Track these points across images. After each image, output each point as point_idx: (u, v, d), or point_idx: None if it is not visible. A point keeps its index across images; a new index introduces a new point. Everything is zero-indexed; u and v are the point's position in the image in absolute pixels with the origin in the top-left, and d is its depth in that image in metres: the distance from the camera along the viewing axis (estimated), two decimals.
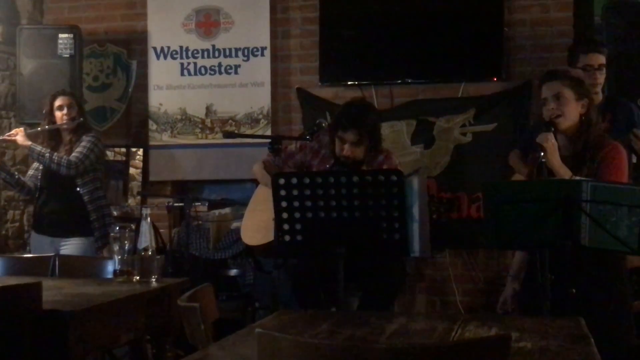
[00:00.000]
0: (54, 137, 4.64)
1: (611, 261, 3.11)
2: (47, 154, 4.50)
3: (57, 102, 4.61)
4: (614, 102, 4.06)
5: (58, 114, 4.60)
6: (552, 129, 3.17)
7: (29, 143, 4.54)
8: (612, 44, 4.64)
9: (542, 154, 3.09)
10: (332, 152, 3.98)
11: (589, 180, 2.85)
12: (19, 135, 4.57)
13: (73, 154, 4.53)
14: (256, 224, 4.15)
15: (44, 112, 4.70)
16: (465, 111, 5.27)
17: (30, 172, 4.73)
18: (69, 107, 4.61)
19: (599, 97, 3.99)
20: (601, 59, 3.99)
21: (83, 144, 4.58)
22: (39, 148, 4.52)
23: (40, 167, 4.65)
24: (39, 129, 4.66)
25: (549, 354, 1.87)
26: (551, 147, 3.09)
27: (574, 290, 2.83)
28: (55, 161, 4.49)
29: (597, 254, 2.93)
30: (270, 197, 3.17)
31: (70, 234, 4.58)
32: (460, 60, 5.29)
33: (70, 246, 4.55)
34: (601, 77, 3.98)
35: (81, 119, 4.65)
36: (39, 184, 4.66)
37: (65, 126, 4.60)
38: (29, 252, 4.84)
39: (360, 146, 3.88)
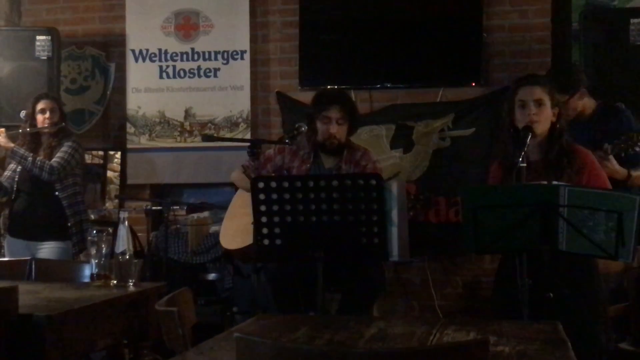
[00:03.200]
0: (33, 140, 4.62)
1: (588, 265, 3.13)
2: (30, 158, 4.49)
3: (40, 105, 4.60)
4: (606, 112, 4.09)
5: (40, 117, 4.59)
6: (530, 134, 3.19)
7: (12, 145, 4.52)
8: (590, 50, 4.68)
9: (520, 159, 3.10)
10: (314, 141, 4.00)
11: (566, 185, 2.87)
12: (1, 136, 4.54)
13: (54, 159, 4.51)
14: (235, 229, 4.15)
15: (25, 114, 4.68)
16: (444, 116, 5.29)
17: (7, 173, 4.70)
18: (52, 111, 4.60)
19: (589, 109, 4.06)
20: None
21: (64, 149, 4.56)
22: (22, 151, 4.51)
23: (18, 169, 4.62)
24: (19, 130, 4.63)
25: (526, 358, 1.88)
26: None
27: (551, 295, 2.84)
28: (38, 165, 4.48)
29: (575, 258, 2.95)
30: (249, 202, 3.16)
31: (46, 237, 4.56)
32: (439, 65, 5.32)
33: (47, 250, 4.52)
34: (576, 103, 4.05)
35: (63, 123, 4.64)
36: (15, 186, 4.63)
37: (46, 130, 4.59)
38: (4, 256, 4.80)
39: (344, 125, 3.95)
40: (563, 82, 4.02)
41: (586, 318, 3.10)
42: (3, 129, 4.62)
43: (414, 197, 4.90)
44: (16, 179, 4.63)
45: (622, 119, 4.06)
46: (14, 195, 4.64)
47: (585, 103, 4.10)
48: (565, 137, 3.29)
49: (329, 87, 5.35)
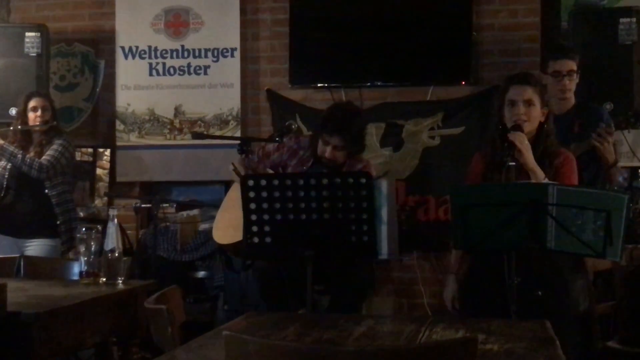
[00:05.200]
0: (24, 138, 4.60)
1: (576, 264, 3.15)
2: (20, 155, 4.47)
3: (32, 103, 4.59)
4: (584, 108, 4.10)
5: (31, 115, 4.58)
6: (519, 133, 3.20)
7: (1, 142, 4.51)
8: (579, 49, 4.69)
9: (509, 158, 3.11)
10: (314, 151, 4.00)
11: (555, 184, 2.88)
12: None
13: (44, 157, 4.50)
14: (227, 223, 4.14)
15: (16, 111, 4.67)
16: (433, 114, 5.30)
17: None
18: (43, 109, 4.59)
19: (571, 102, 4.04)
20: (570, 65, 4.03)
21: (54, 147, 4.55)
22: (11, 148, 4.49)
23: (8, 166, 4.60)
24: (10, 128, 4.62)
25: (514, 356, 1.89)
26: (525, 147, 3.11)
27: (540, 293, 2.85)
28: (27, 163, 4.46)
29: (563, 256, 2.96)
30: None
31: (35, 235, 4.55)
32: (429, 64, 5.32)
33: (35, 247, 4.51)
34: (570, 83, 4.02)
35: (54, 122, 4.63)
36: (5, 183, 4.61)
37: (37, 128, 4.57)
38: None
39: (343, 151, 3.92)
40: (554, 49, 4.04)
41: (576, 317, 3.11)
42: None
43: (400, 208, 4.92)
44: (6, 176, 4.62)
45: (602, 114, 4.07)
46: (3, 192, 4.63)
47: (570, 68, 4.05)
48: (552, 139, 3.28)
49: (319, 85, 5.36)
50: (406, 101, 5.40)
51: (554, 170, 3.18)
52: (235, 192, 4.20)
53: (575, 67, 4.03)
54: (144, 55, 5.71)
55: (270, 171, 4.12)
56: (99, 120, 5.87)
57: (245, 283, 3.99)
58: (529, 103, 3.22)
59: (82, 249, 3.10)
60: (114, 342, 3.30)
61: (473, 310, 3.16)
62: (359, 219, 3.03)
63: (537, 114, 3.23)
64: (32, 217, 4.57)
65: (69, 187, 4.73)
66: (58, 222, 4.55)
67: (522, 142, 3.11)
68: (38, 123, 4.57)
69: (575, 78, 4.04)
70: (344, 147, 3.91)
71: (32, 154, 4.53)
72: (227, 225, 4.12)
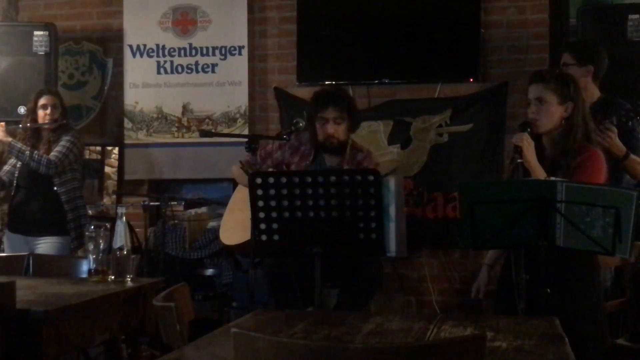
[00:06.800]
0: (34, 135, 4.61)
1: (586, 261, 3.13)
2: (28, 152, 4.48)
3: (42, 101, 4.59)
4: (608, 103, 4.06)
5: (41, 112, 4.59)
6: (529, 130, 3.19)
7: (10, 139, 4.52)
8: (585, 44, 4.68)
9: (517, 155, 3.11)
10: (314, 143, 4.01)
11: (563, 180, 2.87)
12: None
13: (52, 153, 4.51)
14: (234, 224, 4.15)
15: (26, 108, 4.69)
16: (441, 112, 5.29)
17: (7, 167, 4.71)
18: (53, 107, 4.60)
19: (591, 97, 4.01)
20: (566, 59, 4.00)
21: (62, 143, 4.56)
22: (19, 145, 4.50)
23: (18, 164, 4.62)
24: (20, 125, 4.63)
25: (523, 353, 1.89)
26: (527, 146, 3.11)
27: (548, 290, 2.85)
28: (35, 159, 4.47)
29: (572, 253, 2.95)
30: (248, 197, 3.17)
31: (45, 232, 4.55)
32: (437, 61, 5.31)
33: (45, 245, 4.52)
34: None
35: (64, 121, 4.63)
36: (15, 180, 4.63)
37: (46, 126, 4.58)
38: (3, 251, 4.80)
39: (342, 124, 3.96)
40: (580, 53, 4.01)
41: (585, 314, 3.10)
42: (3, 123, 4.62)
43: (407, 193, 4.92)
44: (16, 174, 4.63)
45: (622, 111, 4.03)
46: (13, 191, 4.64)
47: (589, 86, 4.00)
48: (578, 136, 3.17)
49: (326, 83, 5.36)
50: (414, 98, 5.39)
51: (573, 167, 3.14)
52: (240, 194, 4.21)
53: (567, 61, 3.99)
54: (151, 54, 5.72)
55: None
56: (107, 118, 5.88)
57: (254, 281, 3.99)
58: (539, 101, 3.21)
59: (91, 246, 3.11)
60: (123, 339, 3.31)
61: (506, 308, 3.12)
62: (367, 217, 3.03)
63: (551, 110, 3.19)
64: (42, 215, 4.58)
65: (78, 184, 4.73)
66: (68, 219, 4.56)
67: (522, 141, 3.11)
68: (47, 121, 4.58)
69: (572, 70, 3.98)
70: (342, 119, 3.96)
71: (41, 150, 4.54)
72: (234, 226, 4.14)
